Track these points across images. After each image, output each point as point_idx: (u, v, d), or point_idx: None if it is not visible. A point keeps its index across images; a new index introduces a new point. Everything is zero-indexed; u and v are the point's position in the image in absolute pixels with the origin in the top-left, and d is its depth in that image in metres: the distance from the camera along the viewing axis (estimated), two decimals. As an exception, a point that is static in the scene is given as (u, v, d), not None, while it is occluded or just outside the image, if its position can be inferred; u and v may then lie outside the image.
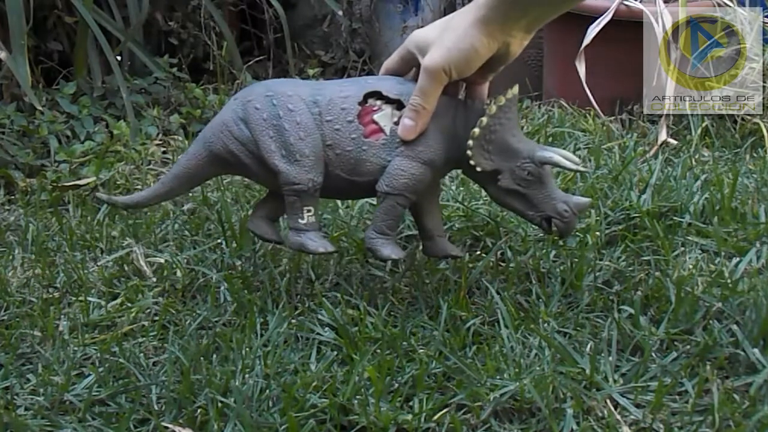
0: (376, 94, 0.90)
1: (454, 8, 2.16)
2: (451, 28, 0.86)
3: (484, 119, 0.88)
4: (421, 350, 0.85)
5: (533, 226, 1.09)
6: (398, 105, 0.89)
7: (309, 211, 0.90)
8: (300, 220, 0.90)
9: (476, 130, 0.88)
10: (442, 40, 0.86)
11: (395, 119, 0.89)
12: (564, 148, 1.42)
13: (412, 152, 0.89)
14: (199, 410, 0.77)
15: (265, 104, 0.90)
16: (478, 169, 0.89)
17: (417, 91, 0.87)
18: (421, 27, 0.95)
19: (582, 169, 0.95)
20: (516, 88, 0.90)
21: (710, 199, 1.16)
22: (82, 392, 0.81)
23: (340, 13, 2.08)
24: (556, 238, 0.99)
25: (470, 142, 0.88)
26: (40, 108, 1.48)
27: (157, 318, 0.94)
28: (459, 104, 0.92)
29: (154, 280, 1.03)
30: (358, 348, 0.85)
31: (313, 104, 0.90)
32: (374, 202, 1.02)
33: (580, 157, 1.38)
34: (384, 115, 0.89)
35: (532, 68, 1.90)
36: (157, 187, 0.97)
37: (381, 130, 0.89)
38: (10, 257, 1.11)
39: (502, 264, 1.03)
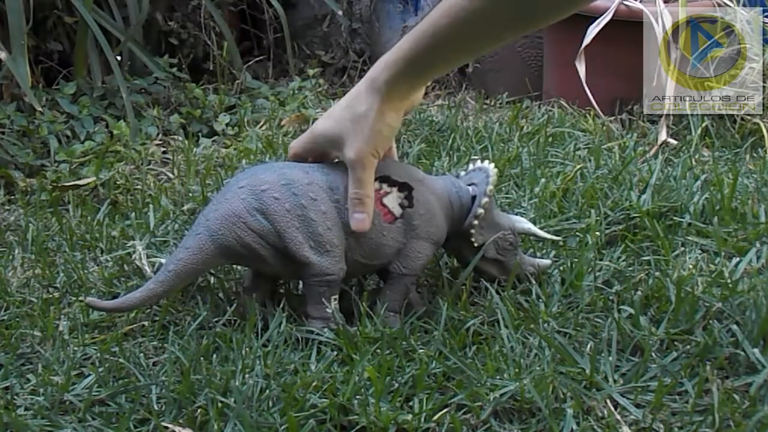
0: (383, 178, 0.90)
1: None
2: (360, 116, 0.87)
3: (486, 199, 0.93)
4: (421, 350, 0.85)
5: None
6: (400, 187, 0.91)
7: (335, 299, 0.90)
8: (327, 309, 0.89)
9: (481, 211, 0.93)
10: (358, 130, 0.87)
11: (399, 201, 0.91)
12: (564, 149, 1.43)
13: (425, 233, 0.92)
14: (199, 410, 0.77)
15: (284, 194, 0.87)
16: (476, 244, 0.95)
17: (355, 184, 0.88)
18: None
19: (555, 238, 1.04)
20: (495, 170, 0.96)
21: (710, 199, 1.16)
22: (82, 392, 0.81)
23: (340, 13, 2.08)
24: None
25: (475, 222, 0.94)
26: (40, 109, 1.48)
27: (157, 318, 0.94)
28: (444, 182, 0.95)
29: (154, 280, 1.03)
30: (358, 348, 0.85)
31: (331, 191, 0.89)
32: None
33: (580, 157, 1.39)
34: (391, 198, 0.91)
35: (532, 68, 1.90)
36: (152, 287, 0.88)
37: (391, 212, 0.91)
38: (10, 257, 1.11)
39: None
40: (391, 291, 0.92)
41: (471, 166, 0.98)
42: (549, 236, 1.02)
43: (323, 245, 0.88)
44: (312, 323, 0.89)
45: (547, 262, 1.00)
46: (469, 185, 0.96)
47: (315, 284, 0.88)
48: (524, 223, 0.98)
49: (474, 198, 0.94)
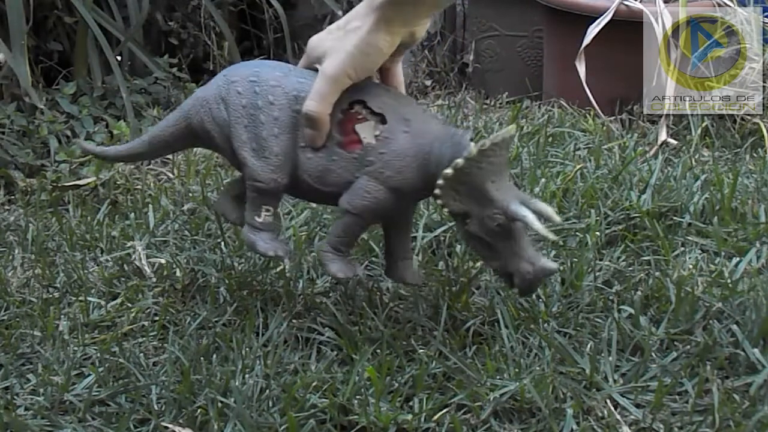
0: (361, 103, 0.85)
1: (454, 9, 2.16)
2: (351, 32, 0.83)
3: (460, 161, 0.79)
4: (421, 350, 0.85)
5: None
6: (381, 119, 0.83)
7: (268, 211, 0.87)
8: (257, 218, 0.87)
9: (449, 171, 0.79)
10: (342, 45, 0.83)
11: (377, 133, 0.83)
12: (564, 149, 1.43)
13: (381, 176, 0.83)
14: (199, 410, 0.77)
15: (247, 90, 0.86)
16: (446, 210, 0.82)
17: (315, 96, 0.83)
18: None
19: (551, 236, 0.79)
20: (511, 129, 0.80)
21: (710, 199, 1.16)
22: (82, 392, 0.81)
23: (340, 13, 2.08)
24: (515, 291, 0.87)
25: (440, 181, 0.80)
26: (41, 106, 1.48)
27: (157, 318, 0.94)
28: (442, 133, 0.83)
29: (154, 280, 1.03)
30: (358, 348, 0.85)
31: (295, 100, 0.85)
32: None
33: (580, 157, 1.39)
34: (365, 127, 0.84)
35: (532, 68, 1.90)
36: (135, 145, 0.97)
37: (360, 141, 0.83)
38: (10, 257, 1.11)
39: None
40: (334, 226, 0.87)
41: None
42: (548, 233, 0.78)
43: (263, 150, 0.85)
44: (244, 230, 0.89)
45: (552, 265, 0.81)
46: None
47: (249, 188, 0.87)
48: (522, 208, 0.78)
49: None
